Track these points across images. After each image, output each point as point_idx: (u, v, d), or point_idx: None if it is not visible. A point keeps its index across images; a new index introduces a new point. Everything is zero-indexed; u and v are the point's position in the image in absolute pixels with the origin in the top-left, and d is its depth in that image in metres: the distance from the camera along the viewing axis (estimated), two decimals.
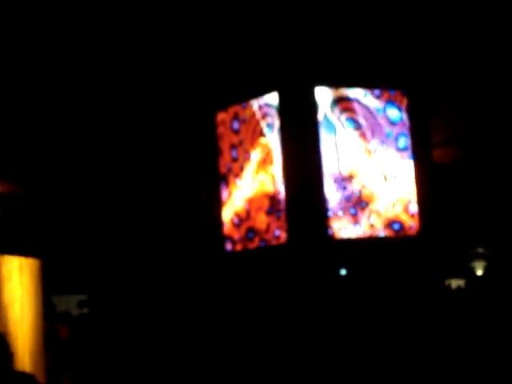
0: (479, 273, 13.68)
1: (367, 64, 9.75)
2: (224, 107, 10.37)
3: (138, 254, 11.85)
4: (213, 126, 10.46)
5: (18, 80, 9.36)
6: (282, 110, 9.62)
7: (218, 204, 10.37)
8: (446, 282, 11.29)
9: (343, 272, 9.79)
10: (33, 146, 11.20)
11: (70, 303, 11.95)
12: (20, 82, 9.45)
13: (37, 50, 8.70)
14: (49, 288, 5.73)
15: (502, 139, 11.92)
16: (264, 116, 9.92)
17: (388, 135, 10.06)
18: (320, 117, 9.64)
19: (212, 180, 10.45)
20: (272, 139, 9.79)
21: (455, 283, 12.38)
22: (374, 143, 9.95)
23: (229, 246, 10.30)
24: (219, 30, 8.75)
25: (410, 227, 9.93)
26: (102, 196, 12.26)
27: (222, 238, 10.28)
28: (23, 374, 4.62)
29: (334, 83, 9.70)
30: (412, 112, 10.10)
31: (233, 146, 10.31)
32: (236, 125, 10.29)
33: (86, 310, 12.08)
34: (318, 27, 8.96)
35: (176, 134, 11.16)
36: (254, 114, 10.01)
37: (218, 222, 10.32)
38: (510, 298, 9.11)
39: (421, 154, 10.11)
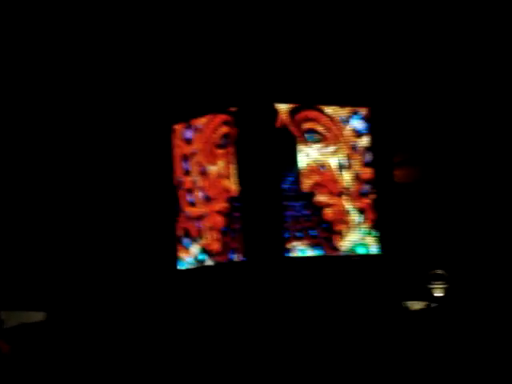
0: (439, 295, 13.53)
1: (328, 81, 9.59)
2: (181, 121, 9.87)
3: (92, 270, 11.49)
4: (169, 140, 9.91)
5: None
6: (240, 124, 9.21)
7: (172, 219, 9.81)
8: (405, 304, 11.02)
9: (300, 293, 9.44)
10: None
11: (21, 319, 11.66)
12: None
13: None
14: None
15: (462, 159, 11.80)
16: (220, 125, 9.34)
17: (354, 148, 9.56)
18: (279, 128, 9.14)
19: (167, 194, 9.88)
20: (228, 151, 9.23)
21: (414, 305, 12.21)
22: (338, 157, 9.46)
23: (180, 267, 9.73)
24: (175, 49, 9.09)
25: (375, 250, 9.48)
26: (57, 210, 11.83)
27: (175, 255, 9.64)
28: None
29: (293, 101, 9.43)
30: (373, 129, 9.69)
31: (185, 158, 9.71)
32: (189, 134, 9.67)
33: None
34: (277, 45, 9.01)
35: (134, 149, 10.72)
36: (209, 123, 9.44)
37: (172, 237, 9.76)
38: (470, 320, 8.91)
39: (382, 171, 9.80)
